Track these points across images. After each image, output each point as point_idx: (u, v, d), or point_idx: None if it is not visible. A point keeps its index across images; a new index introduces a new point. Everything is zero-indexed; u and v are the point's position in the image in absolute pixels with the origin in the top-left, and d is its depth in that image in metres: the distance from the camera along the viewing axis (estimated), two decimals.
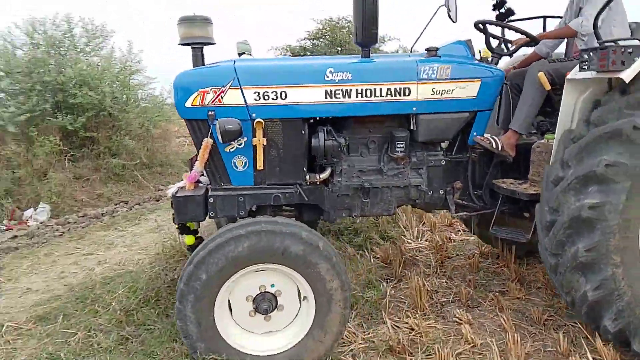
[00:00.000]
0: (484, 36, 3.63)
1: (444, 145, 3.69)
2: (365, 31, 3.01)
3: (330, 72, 3.19)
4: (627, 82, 2.77)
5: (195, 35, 3.13)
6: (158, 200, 8.69)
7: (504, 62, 4.25)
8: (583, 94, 3.15)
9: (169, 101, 10.77)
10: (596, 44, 3.01)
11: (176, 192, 3.25)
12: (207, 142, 3.14)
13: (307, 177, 3.38)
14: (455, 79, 3.32)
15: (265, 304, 2.96)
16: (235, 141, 3.19)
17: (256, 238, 2.83)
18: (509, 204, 3.63)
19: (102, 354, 3.30)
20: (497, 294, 4.03)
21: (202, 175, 3.40)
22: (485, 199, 3.72)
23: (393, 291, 4.16)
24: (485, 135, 3.48)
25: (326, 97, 3.22)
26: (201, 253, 2.83)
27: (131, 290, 4.02)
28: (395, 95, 3.27)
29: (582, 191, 2.79)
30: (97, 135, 9.24)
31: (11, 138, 8.37)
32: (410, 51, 4.26)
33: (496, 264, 4.67)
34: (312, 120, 3.38)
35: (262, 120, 3.15)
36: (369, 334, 3.51)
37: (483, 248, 5.01)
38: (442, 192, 3.60)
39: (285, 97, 3.18)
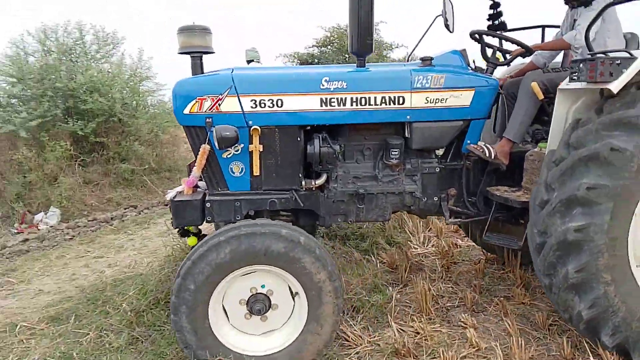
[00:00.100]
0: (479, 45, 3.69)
1: (438, 152, 3.74)
2: (360, 41, 3.07)
3: (326, 80, 3.27)
4: (614, 92, 2.82)
5: (195, 45, 3.22)
6: (167, 205, 8.74)
7: (501, 71, 4.31)
8: (575, 104, 3.20)
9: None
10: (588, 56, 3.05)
11: (174, 197, 3.33)
12: (205, 148, 3.21)
13: (303, 183, 3.44)
14: (449, 88, 3.37)
15: (258, 305, 3.01)
16: (232, 147, 3.26)
17: (236, 242, 2.87)
18: (502, 211, 3.67)
19: (114, 354, 3.37)
20: (502, 299, 4.05)
21: (201, 180, 3.47)
22: (479, 206, 3.76)
23: (399, 295, 4.19)
24: (479, 143, 3.53)
25: (321, 105, 3.29)
26: (187, 264, 2.89)
27: (141, 292, 4.10)
28: (389, 104, 3.33)
29: (566, 214, 2.82)
30: (107, 140, 9.40)
31: (23, 143, 8.53)
32: (407, 60, 4.32)
33: (502, 270, 4.68)
34: (308, 128, 3.44)
35: (258, 128, 3.23)
36: (374, 337, 3.54)
37: (489, 254, 5.01)
38: (437, 199, 3.65)
39: (282, 105, 3.26)
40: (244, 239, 2.88)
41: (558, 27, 4.17)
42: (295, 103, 3.27)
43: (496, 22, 4.27)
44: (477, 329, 3.62)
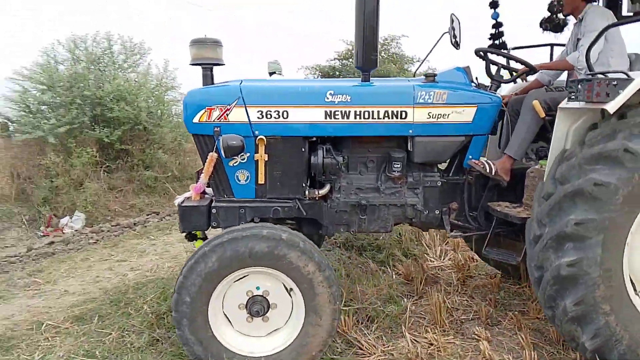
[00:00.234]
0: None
1: (441, 166, 3.81)
2: (365, 56, 3.16)
3: (330, 94, 3.37)
4: (611, 113, 2.85)
5: (205, 57, 3.36)
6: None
7: (507, 89, 4.36)
8: (575, 123, 3.23)
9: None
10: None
11: (182, 202, 3.46)
12: (212, 156, 3.33)
13: (307, 192, 3.53)
14: (451, 104, 3.44)
15: (256, 306, 3.07)
16: (239, 156, 3.39)
17: (221, 250, 2.94)
18: (503, 227, 3.71)
19: (135, 353, 3.46)
20: (517, 313, 4.04)
21: (208, 186, 3.59)
22: (480, 220, 3.80)
23: (413, 307, 4.21)
24: (481, 159, 3.58)
25: (326, 118, 3.39)
26: (179, 279, 2.97)
27: (162, 296, 4.21)
28: (392, 118, 3.42)
29: (559, 249, 2.86)
30: (132, 148, 9.66)
31: (51, 149, 8.82)
32: (414, 75, 4.41)
33: (517, 285, 4.67)
34: (312, 139, 3.55)
35: (264, 137, 3.35)
36: (388, 346, 3.57)
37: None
38: (438, 212, 3.70)
39: (287, 116, 3.37)
40: (227, 245, 2.95)
41: (565, 45, 4.21)
42: (300, 115, 3.38)
43: (497, 42, 4.34)
44: (490, 342, 3.63)
